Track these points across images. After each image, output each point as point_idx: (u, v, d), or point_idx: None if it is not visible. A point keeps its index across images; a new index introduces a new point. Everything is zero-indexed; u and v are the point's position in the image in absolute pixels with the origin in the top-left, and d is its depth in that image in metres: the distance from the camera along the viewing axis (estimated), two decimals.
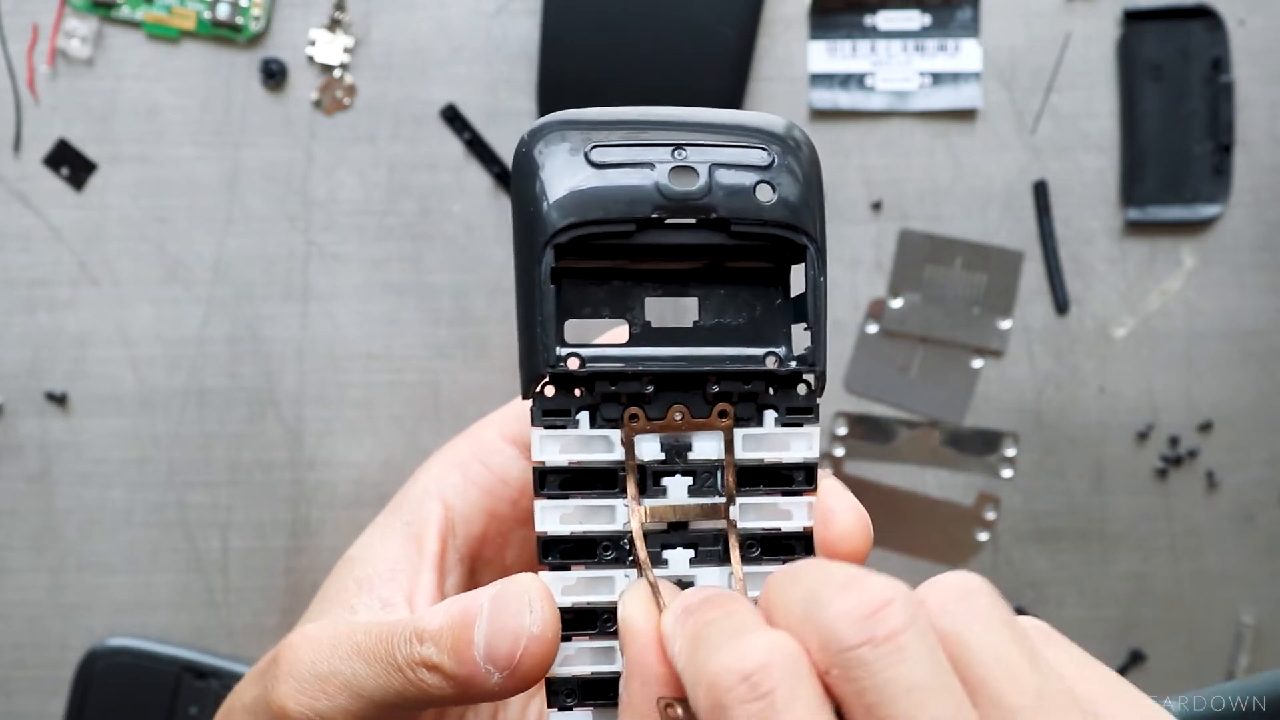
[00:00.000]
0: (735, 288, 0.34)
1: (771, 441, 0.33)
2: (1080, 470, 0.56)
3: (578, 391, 0.32)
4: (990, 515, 0.56)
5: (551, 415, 0.32)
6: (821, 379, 0.33)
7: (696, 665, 0.27)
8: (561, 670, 0.32)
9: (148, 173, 0.54)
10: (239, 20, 0.54)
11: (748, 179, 0.32)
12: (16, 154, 0.54)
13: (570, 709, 0.32)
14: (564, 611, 0.32)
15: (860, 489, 0.56)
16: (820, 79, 0.55)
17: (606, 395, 0.32)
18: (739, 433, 0.33)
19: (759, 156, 0.32)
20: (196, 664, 0.53)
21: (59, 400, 0.54)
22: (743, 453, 0.33)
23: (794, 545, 0.33)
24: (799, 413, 0.33)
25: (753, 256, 0.34)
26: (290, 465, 0.55)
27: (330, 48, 0.54)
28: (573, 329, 0.33)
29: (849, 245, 0.56)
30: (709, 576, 0.32)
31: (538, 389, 0.32)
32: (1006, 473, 0.56)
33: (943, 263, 0.56)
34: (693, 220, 0.32)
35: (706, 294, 0.34)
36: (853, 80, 0.55)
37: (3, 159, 0.54)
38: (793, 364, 0.33)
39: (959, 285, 0.56)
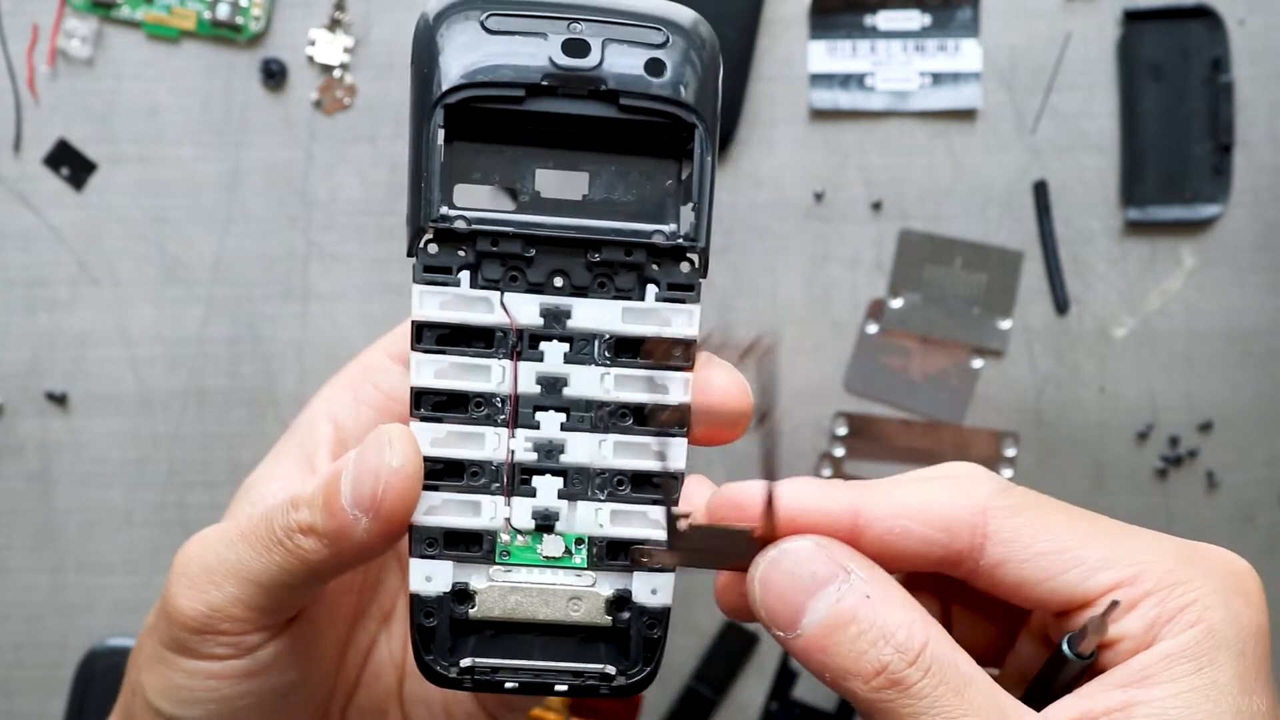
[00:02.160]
0: (627, 165, 0.34)
1: (652, 315, 0.33)
2: (1080, 470, 0.56)
3: (461, 251, 0.33)
4: None
5: (433, 271, 0.33)
6: (704, 256, 0.34)
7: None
8: (425, 519, 0.33)
9: (148, 173, 0.54)
10: (239, 20, 0.54)
11: (641, 55, 0.32)
12: (16, 154, 0.54)
13: (432, 557, 0.33)
14: (432, 462, 0.33)
15: None
16: (820, 79, 0.55)
17: (486, 254, 0.33)
18: (620, 305, 0.33)
19: (655, 36, 0.33)
20: None
21: (59, 400, 0.54)
22: (623, 325, 0.33)
23: (669, 418, 0.34)
24: (681, 289, 0.34)
25: (647, 135, 0.34)
26: None
27: (330, 48, 0.54)
28: (463, 195, 0.34)
29: (849, 245, 0.55)
30: (579, 442, 0.33)
31: (421, 244, 0.33)
32: (1006, 473, 0.56)
33: (943, 263, 0.56)
34: (583, 91, 0.32)
35: (598, 169, 0.34)
36: (853, 80, 0.55)
37: (3, 159, 0.54)
38: (679, 240, 0.33)
39: (959, 285, 0.56)
